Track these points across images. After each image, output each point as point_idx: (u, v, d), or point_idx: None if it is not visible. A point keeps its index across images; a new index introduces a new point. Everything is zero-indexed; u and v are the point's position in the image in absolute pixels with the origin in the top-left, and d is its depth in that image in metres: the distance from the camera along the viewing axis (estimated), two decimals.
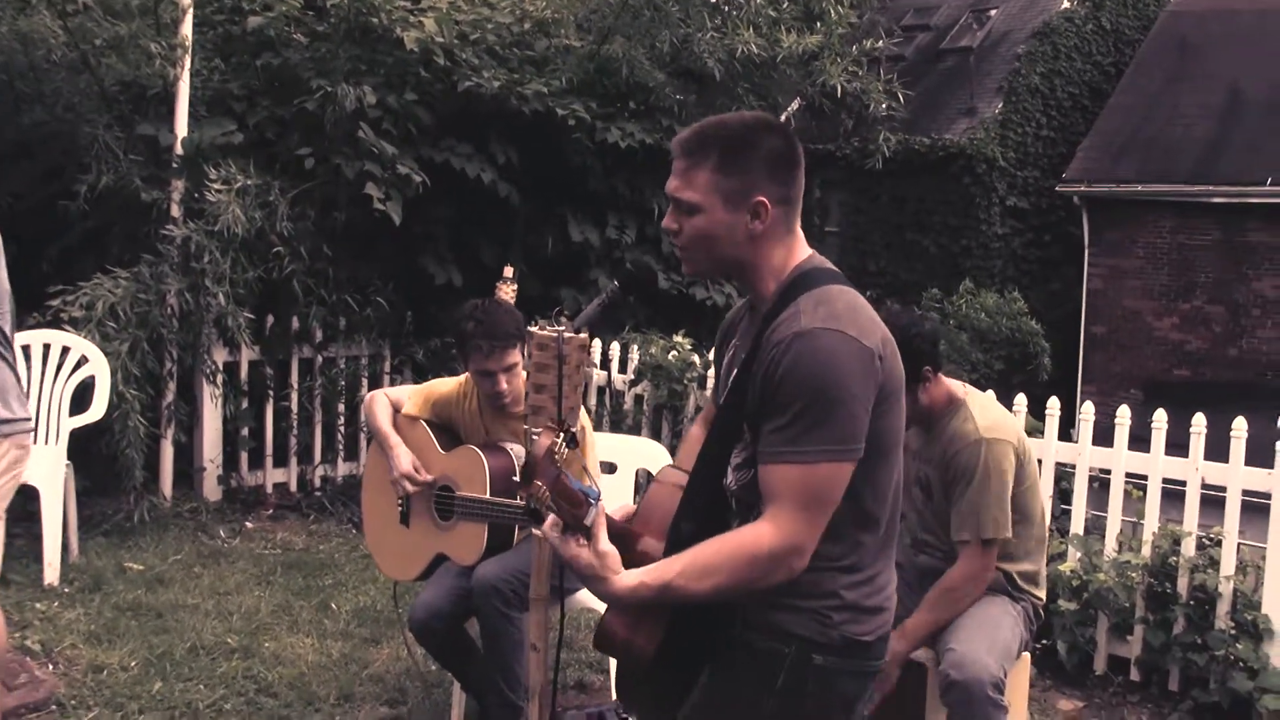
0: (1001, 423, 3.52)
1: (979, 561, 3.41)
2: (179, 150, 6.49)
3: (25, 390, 3.23)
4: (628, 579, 2.07)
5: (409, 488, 3.85)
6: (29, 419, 3.32)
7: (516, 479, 3.74)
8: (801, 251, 2.24)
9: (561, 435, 2.05)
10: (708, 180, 2.17)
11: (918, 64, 17.99)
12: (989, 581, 3.47)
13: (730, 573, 2.06)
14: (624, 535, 2.19)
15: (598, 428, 6.19)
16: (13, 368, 3.26)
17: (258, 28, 7.03)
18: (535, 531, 2.37)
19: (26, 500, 5.54)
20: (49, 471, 5.25)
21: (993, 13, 18.63)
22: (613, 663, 3.67)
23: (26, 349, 5.57)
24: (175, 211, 6.48)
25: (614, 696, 3.49)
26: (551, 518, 2.05)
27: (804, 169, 2.24)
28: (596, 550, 2.06)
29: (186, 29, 6.43)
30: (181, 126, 6.51)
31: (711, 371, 6.07)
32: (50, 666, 4.44)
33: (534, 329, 2.37)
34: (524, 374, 3.70)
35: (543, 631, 2.44)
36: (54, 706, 4.10)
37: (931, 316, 4.30)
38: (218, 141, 6.50)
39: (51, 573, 5.25)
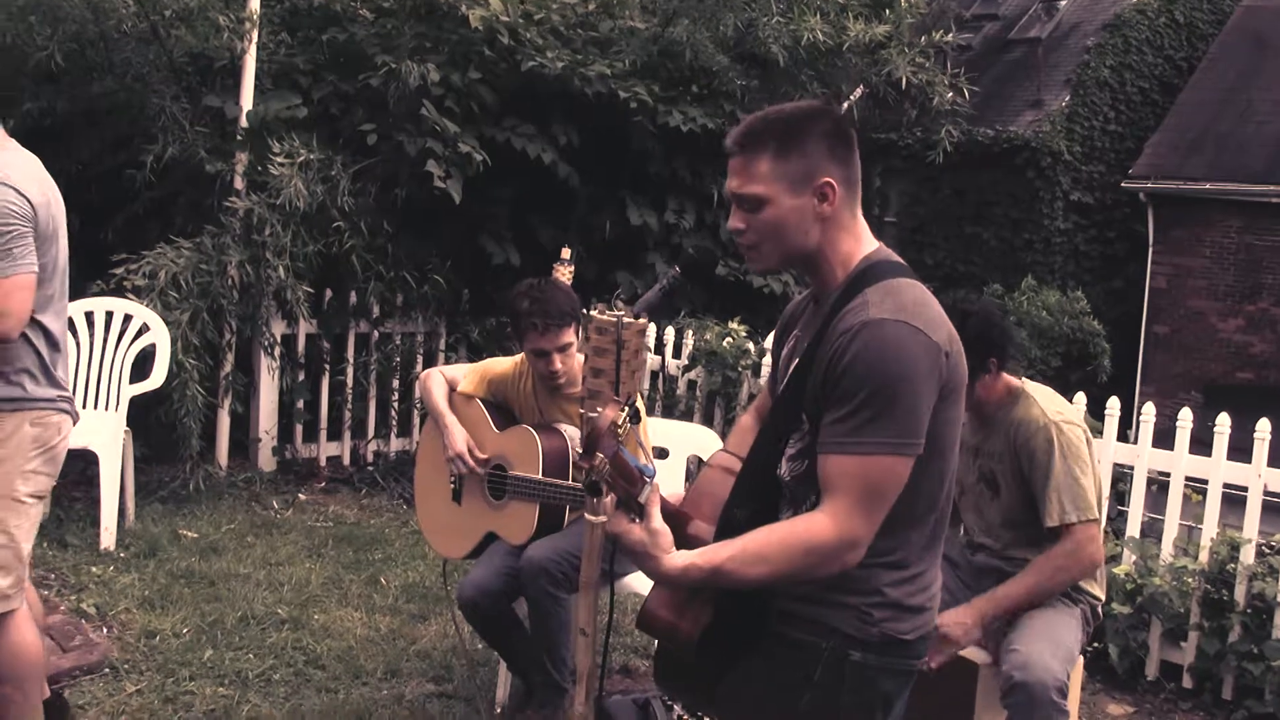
0: (1067, 409, 3.48)
1: (1078, 541, 3.32)
2: (244, 123, 6.54)
3: (74, 365, 3.09)
4: (679, 559, 2.07)
5: (463, 468, 3.87)
6: (53, 398, 3.18)
7: (571, 459, 3.74)
8: (869, 243, 2.21)
9: (625, 410, 2.04)
10: (769, 169, 2.14)
11: (984, 54, 17.76)
12: (1098, 561, 3.39)
13: (783, 561, 2.05)
14: (675, 516, 2.18)
15: (650, 413, 6.18)
16: (41, 347, 3.13)
17: (325, 2, 7.07)
18: (588, 517, 2.37)
19: (86, 465, 5.65)
20: (108, 438, 5.33)
21: (1062, 4, 18.34)
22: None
23: (90, 315, 5.65)
24: (239, 184, 6.54)
25: (653, 677, 3.49)
26: (608, 498, 2.05)
27: (858, 149, 2.20)
28: (649, 528, 2.07)
29: (254, 2, 6.47)
30: (247, 99, 6.57)
31: (767, 359, 6.04)
32: (105, 630, 4.51)
33: (594, 313, 2.36)
34: (579, 355, 3.70)
35: (591, 616, 2.43)
36: (107, 670, 4.16)
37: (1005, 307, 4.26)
38: (282, 115, 6.55)
39: (108, 537, 5.33)
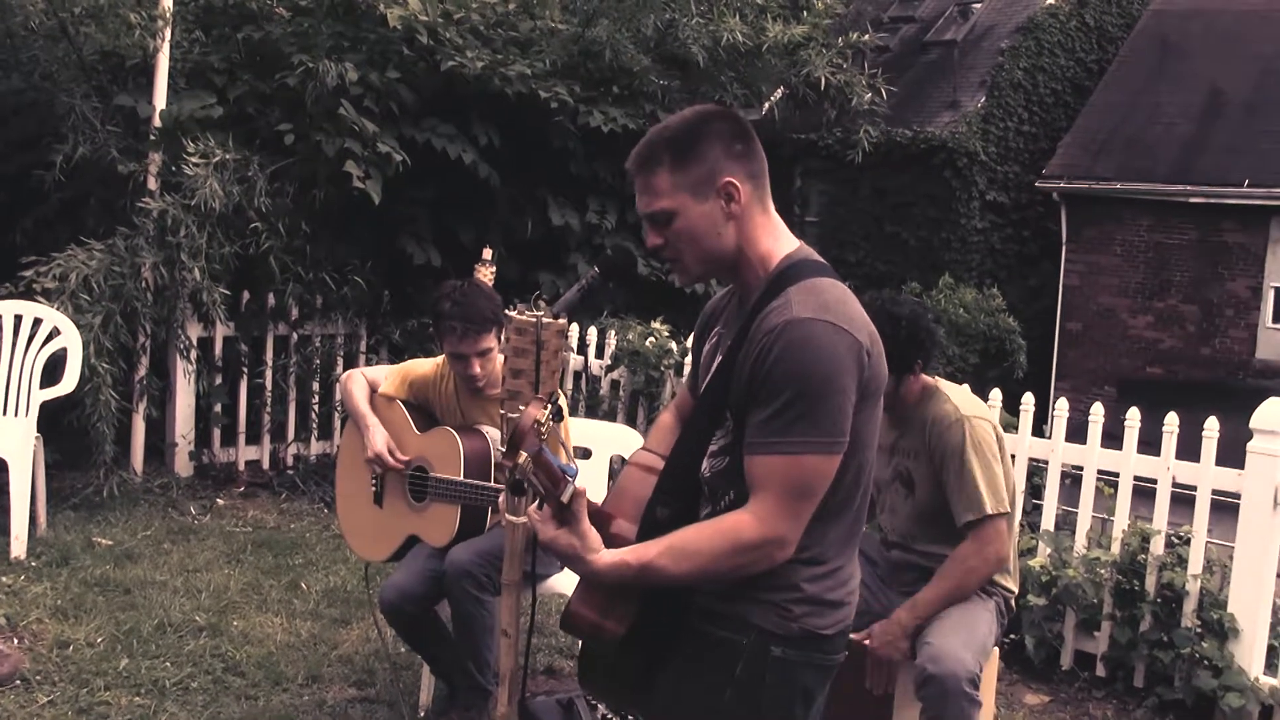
0: (978, 406, 3.55)
1: (988, 536, 3.39)
2: (157, 122, 6.43)
3: None
4: (609, 556, 2.09)
5: (381, 467, 3.84)
6: None
7: (493, 461, 3.73)
8: (789, 242, 2.23)
9: (548, 408, 2.05)
10: (669, 182, 2.15)
11: (902, 55, 17.98)
12: (1005, 556, 3.45)
13: (712, 558, 2.07)
14: (597, 516, 2.19)
15: (573, 413, 6.18)
16: None
17: (239, 0, 6.97)
18: (509, 518, 2.36)
19: None
20: (18, 444, 5.21)
21: (977, 7, 18.63)
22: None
23: None
24: (152, 184, 6.43)
25: (576, 678, 3.50)
26: (529, 500, 2.05)
27: (760, 146, 2.22)
28: (579, 531, 2.08)
29: (167, 0, 6.37)
30: (160, 98, 6.45)
31: (689, 359, 6.06)
32: (15, 641, 4.41)
33: (513, 313, 2.36)
34: (500, 357, 3.69)
35: (514, 617, 2.43)
36: (18, 681, 4.07)
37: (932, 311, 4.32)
38: (197, 115, 6.45)
39: (19, 546, 5.21)
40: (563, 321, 2.33)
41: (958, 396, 3.51)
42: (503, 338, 2.35)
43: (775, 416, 2.06)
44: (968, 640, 3.31)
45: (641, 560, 2.08)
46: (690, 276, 2.25)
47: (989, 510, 3.37)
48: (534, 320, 2.31)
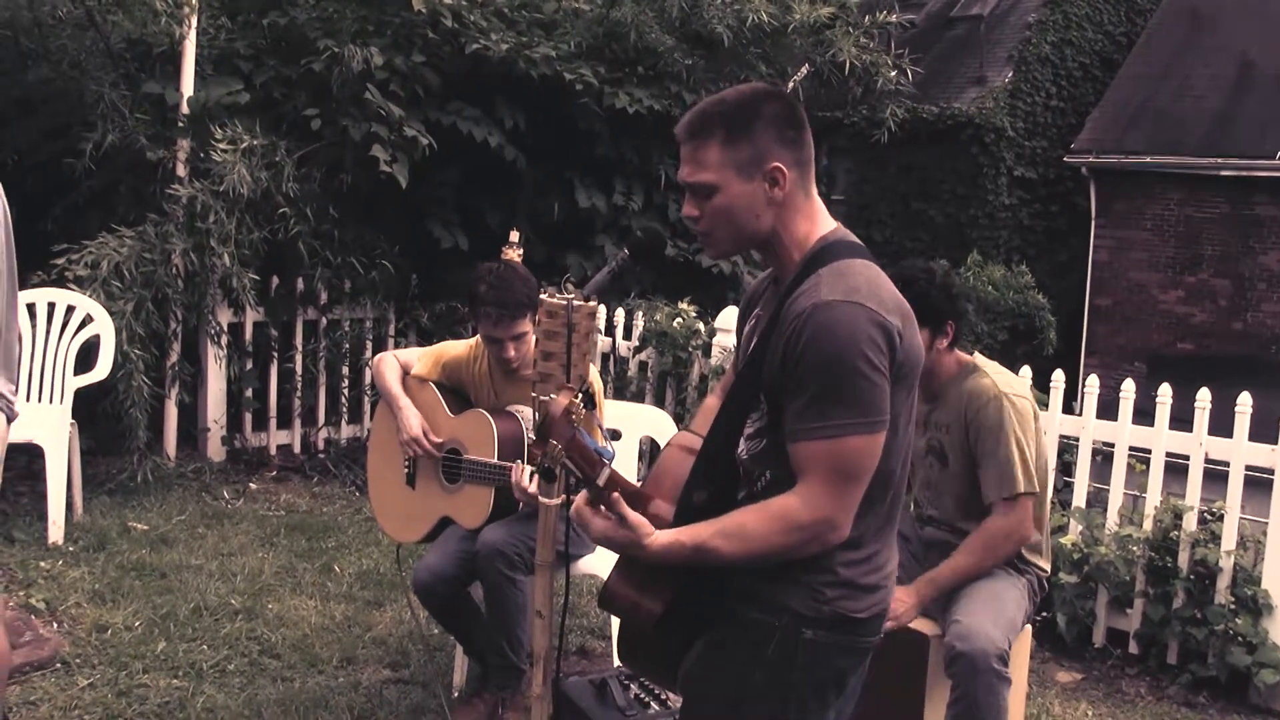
0: (1018, 383, 3.54)
1: (1017, 515, 3.39)
2: (185, 109, 6.46)
3: (18, 360, 2.93)
4: (663, 537, 2.12)
5: (417, 450, 3.86)
6: None
7: (526, 442, 3.74)
8: (826, 224, 2.23)
9: (580, 396, 2.06)
10: (718, 156, 2.15)
11: (928, 31, 17.88)
12: (1029, 537, 3.45)
13: (765, 540, 2.09)
14: (636, 496, 2.20)
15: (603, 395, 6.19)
16: None
17: None
18: (542, 500, 2.38)
19: (31, 459, 5.58)
20: (53, 430, 5.26)
21: None
22: (614, 628, 3.69)
23: (31, 307, 5.56)
24: (181, 171, 6.46)
25: (615, 657, 3.51)
26: (580, 500, 2.09)
27: (810, 131, 2.22)
28: (628, 522, 2.10)
29: None
30: (188, 85, 6.48)
31: (717, 339, 6.06)
32: (55, 625, 4.46)
33: (544, 296, 2.36)
34: (534, 339, 3.70)
35: (547, 598, 2.44)
36: (58, 665, 4.12)
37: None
38: (224, 101, 6.47)
39: (56, 531, 5.27)
40: (593, 304, 2.33)
41: (996, 373, 3.50)
42: (535, 321, 2.36)
43: (812, 402, 2.06)
44: (996, 617, 3.31)
45: (696, 540, 2.10)
46: (719, 251, 2.26)
47: (1021, 488, 3.36)
48: (565, 303, 2.31)
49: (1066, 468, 5.26)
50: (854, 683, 2.27)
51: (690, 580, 2.19)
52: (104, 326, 5.59)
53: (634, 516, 2.11)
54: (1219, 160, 15.02)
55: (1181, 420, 4.71)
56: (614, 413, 4.63)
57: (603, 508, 2.12)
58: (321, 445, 7.18)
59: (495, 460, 3.72)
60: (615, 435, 4.51)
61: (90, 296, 5.69)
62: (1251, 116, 15.29)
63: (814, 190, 2.23)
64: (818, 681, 2.21)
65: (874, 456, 2.09)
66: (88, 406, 5.82)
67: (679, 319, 6.39)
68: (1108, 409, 4.94)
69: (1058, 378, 5.00)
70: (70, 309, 5.63)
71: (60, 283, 5.77)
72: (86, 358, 5.57)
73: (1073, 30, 17.22)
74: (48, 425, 5.25)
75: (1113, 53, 17.65)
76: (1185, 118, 15.77)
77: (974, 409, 3.43)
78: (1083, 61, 17.46)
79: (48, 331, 5.58)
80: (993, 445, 3.38)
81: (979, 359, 3.56)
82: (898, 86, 8.74)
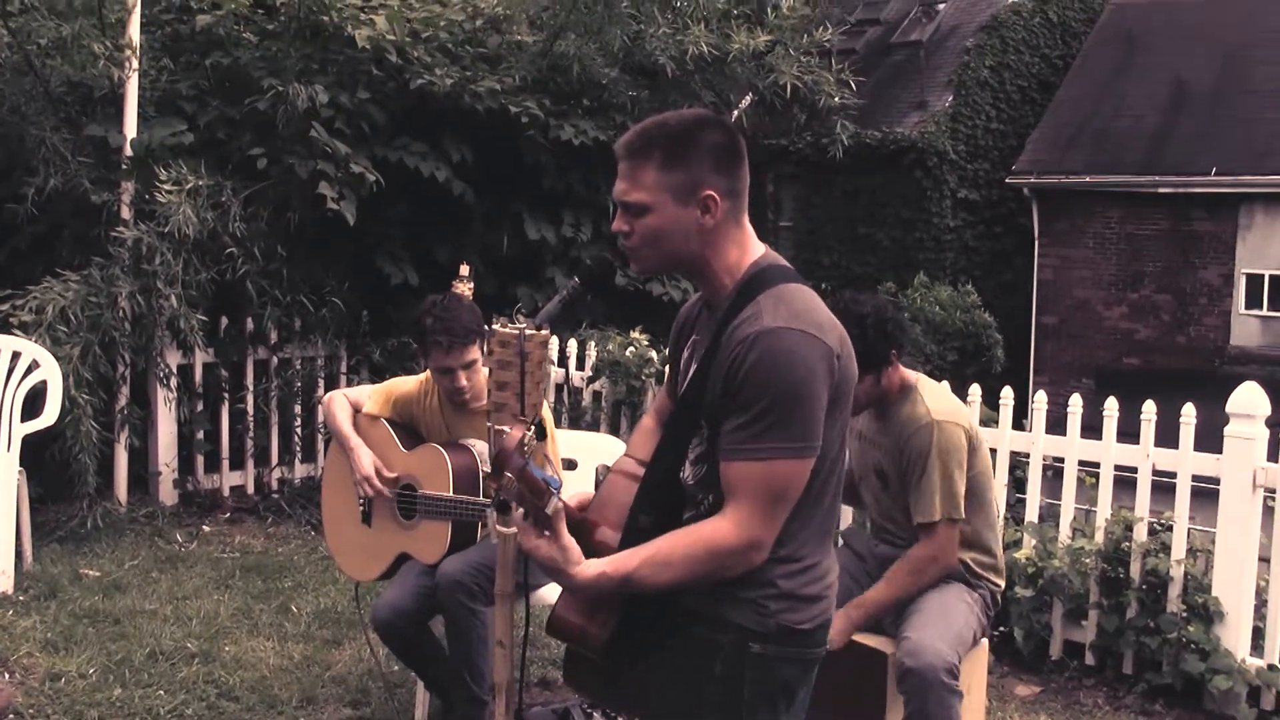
0: (952, 407, 3.59)
1: (938, 542, 3.46)
2: (128, 151, 6.42)
3: None
4: (590, 569, 2.13)
5: (370, 490, 3.84)
6: None
7: (481, 475, 3.75)
8: (755, 248, 2.27)
9: (531, 428, 2.07)
10: (654, 178, 2.19)
11: (868, 58, 18.10)
12: (952, 563, 3.51)
13: (690, 565, 2.12)
14: (581, 524, 2.23)
15: (556, 425, 6.19)
16: None
17: (206, 26, 6.97)
18: (498, 529, 2.38)
19: None
20: (1, 478, 5.19)
21: (941, 7, 18.79)
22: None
23: None
24: (125, 213, 6.42)
25: (562, 678, 3.52)
26: (518, 511, 2.09)
27: (748, 163, 2.26)
28: (559, 544, 2.11)
29: (134, 29, 6.36)
30: (131, 127, 6.45)
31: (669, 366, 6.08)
32: (6, 675, 4.39)
33: (495, 326, 2.38)
34: (484, 370, 3.70)
35: (508, 627, 2.45)
36: (12, 716, 4.05)
37: (898, 302, 4.40)
38: (168, 142, 6.44)
39: (5, 580, 5.18)
40: (546, 333, 2.35)
41: (933, 397, 3.53)
42: (486, 350, 2.37)
43: (750, 424, 2.10)
44: (944, 632, 3.36)
45: (622, 571, 2.13)
46: (645, 268, 2.30)
47: (938, 516, 3.43)
48: (517, 332, 2.33)
49: (1018, 484, 5.32)
50: (803, 694, 2.30)
51: (637, 604, 2.21)
52: (50, 372, 5.53)
53: (567, 542, 2.12)
54: (1157, 178, 15.33)
55: (1129, 434, 4.79)
56: (570, 442, 4.64)
57: (546, 534, 2.13)
58: (275, 485, 7.12)
59: (451, 495, 3.72)
60: (571, 465, 4.54)
61: (36, 342, 5.63)
62: (1186, 134, 15.62)
63: (745, 219, 2.27)
64: (768, 695, 2.23)
65: (802, 480, 2.14)
66: (35, 453, 5.73)
67: (631, 348, 6.42)
68: (1057, 425, 5.00)
69: (1007, 395, 5.07)
70: (15, 355, 5.57)
71: (5, 328, 5.71)
72: (34, 404, 5.50)
73: (1010, 54, 17.53)
74: None
75: (1050, 75, 17.98)
76: (1122, 137, 16.08)
77: (906, 434, 3.49)
78: (1021, 85, 17.76)
79: None
80: (918, 473, 3.45)
81: (921, 381, 3.60)
82: (842, 101, 8.81)
